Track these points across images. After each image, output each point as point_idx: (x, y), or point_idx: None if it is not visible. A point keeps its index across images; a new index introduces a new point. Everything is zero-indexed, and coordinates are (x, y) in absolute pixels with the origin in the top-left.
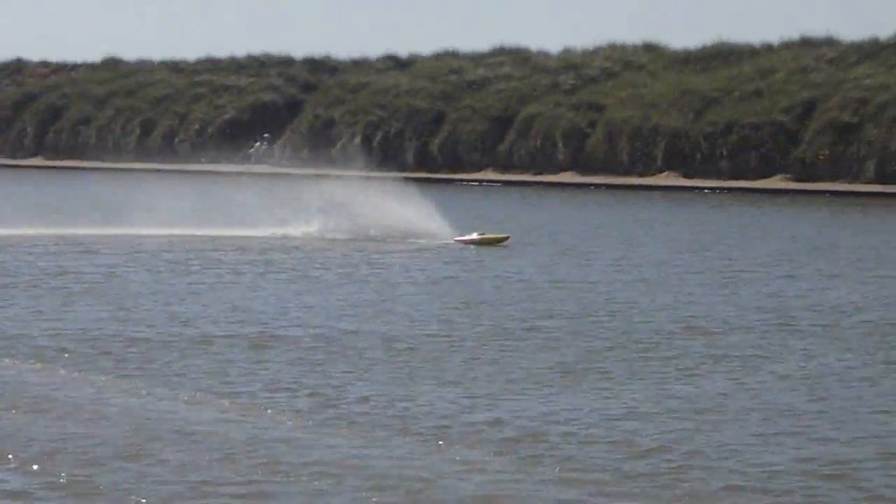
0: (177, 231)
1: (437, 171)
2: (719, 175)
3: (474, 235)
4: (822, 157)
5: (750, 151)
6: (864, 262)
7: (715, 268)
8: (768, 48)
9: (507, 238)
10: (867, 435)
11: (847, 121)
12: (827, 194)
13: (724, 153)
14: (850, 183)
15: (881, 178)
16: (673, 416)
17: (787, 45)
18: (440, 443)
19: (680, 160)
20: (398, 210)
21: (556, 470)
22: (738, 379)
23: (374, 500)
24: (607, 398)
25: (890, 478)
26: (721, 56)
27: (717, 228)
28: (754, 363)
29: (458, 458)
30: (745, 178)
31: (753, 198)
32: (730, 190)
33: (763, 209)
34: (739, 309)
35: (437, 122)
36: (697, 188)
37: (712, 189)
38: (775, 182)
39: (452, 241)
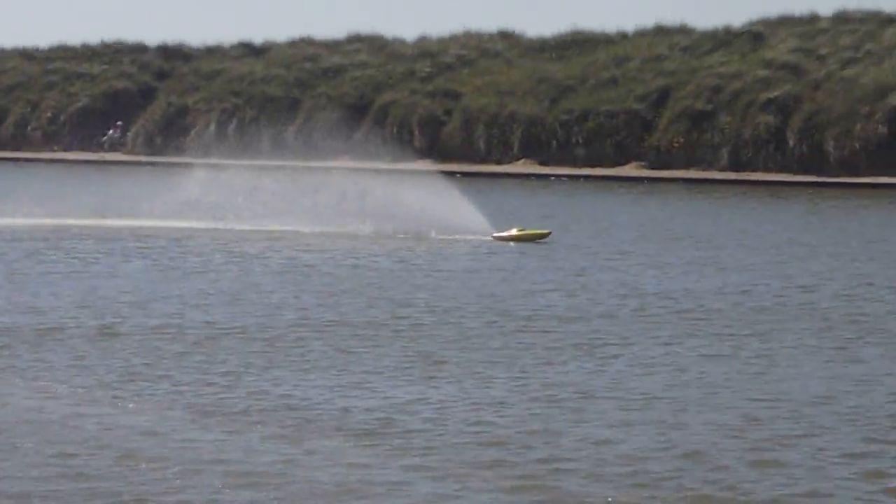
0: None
1: (292, 159)
2: (575, 162)
3: (513, 231)
4: (676, 145)
5: (605, 139)
6: (720, 249)
7: (573, 255)
8: (623, 36)
9: (548, 234)
10: (726, 421)
11: (701, 109)
12: (682, 182)
13: (580, 141)
14: (704, 170)
15: (735, 166)
16: (535, 405)
17: (641, 34)
18: (299, 433)
19: (536, 148)
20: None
21: (416, 459)
22: (598, 366)
23: (232, 492)
24: (468, 386)
25: (751, 468)
26: (576, 44)
27: (574, 216)
28: (614, 350)
29: (316, 448)
30: (601, 165)
31: (609, 185)
32: (586, 177)
33: (620, 197)
34: (599, 296)
35: (293, 109)
36: (554, 176)
37: (568, 177)
38: (630, 170)
39: (490, 238)
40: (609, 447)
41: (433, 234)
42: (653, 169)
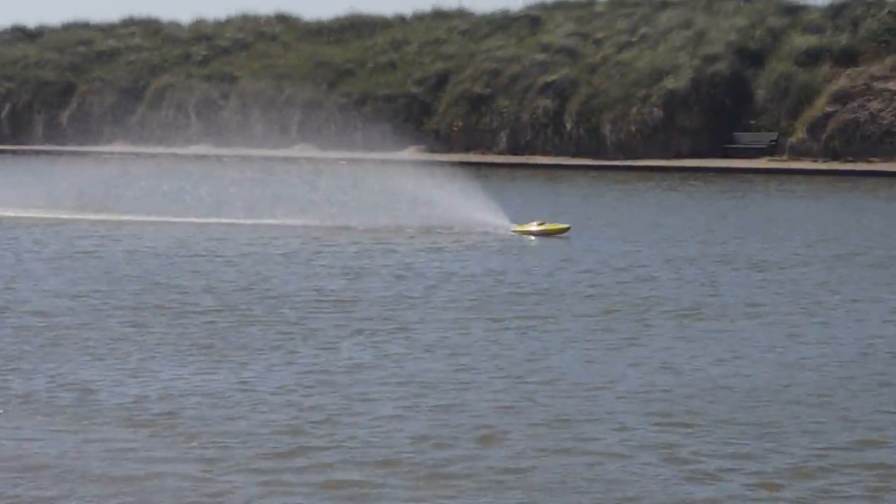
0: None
1: (66, 144)
2: (354, 147)
3: (533, 226)
4: (455, 129)
5: (384, 123)
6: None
7: (355, 240)
8: (401, 20)
9: (568, 228)
10: (510, 403)
11: (479, 92)
12: (462, 165)
13: (359, 125)
14: (483, 154)
15: (513, 149)
16: (316, 390)
17: (419, 18)
18: (76, 422)
19: (314, 132)
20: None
21: (197, 447)
22: (381, 350)
23: (5, 483)
24: (249, 373)
25: (536, 451)
26: (354, 27)
27: (356, 200)
28: (397, 334)
29: (94, 438)
30: (380, 149)
31: (389, 169)
32: (365, 161)
33: (399, 181)
34: (380, 279)
35: (67, 94)
36: (332, 160)
37: (347, 161)
38: (410, 154)
39: (510, 232)
40: (391, 432)
41: (449, 229)
42: (432, 153)
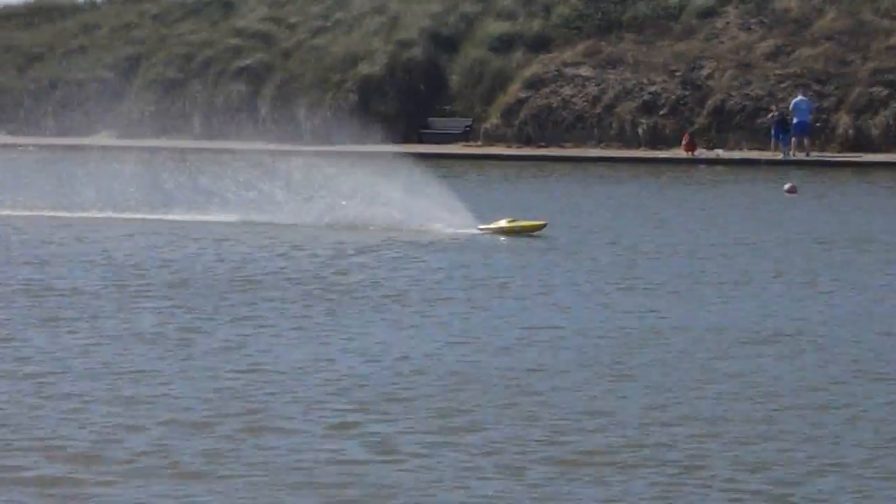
0: None
1: None
2: (45, 132)
3: (502, 223)
4: (147, 113)
5: (75, 108)
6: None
7: (48, 229)
8: (92, 4)
9: (544, 225)
10: (213, 393)
11: (172, 77)
12: (156, 150)
13: (50, 110)
14: (177, 139)
15: (208, 135)
16: (2, 382)
17: (110, 2)
18: None
19: (4, 117)
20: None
21: None
22: (75, 340)
23: None
24: None
25: (246, 435)
26: (44, 12)
27: (46, 184)
28: (86, 323)
29: None
30: (71, 134)
31: (77, 155)
32: (55, 147)
33: (96, 165)
34: (72, 268)
35: None
36: (22, 146)
37: (37, 146)
38: (102, 139)
39: (477, 230)
40: (88, 423)
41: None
42: (124, 137)
